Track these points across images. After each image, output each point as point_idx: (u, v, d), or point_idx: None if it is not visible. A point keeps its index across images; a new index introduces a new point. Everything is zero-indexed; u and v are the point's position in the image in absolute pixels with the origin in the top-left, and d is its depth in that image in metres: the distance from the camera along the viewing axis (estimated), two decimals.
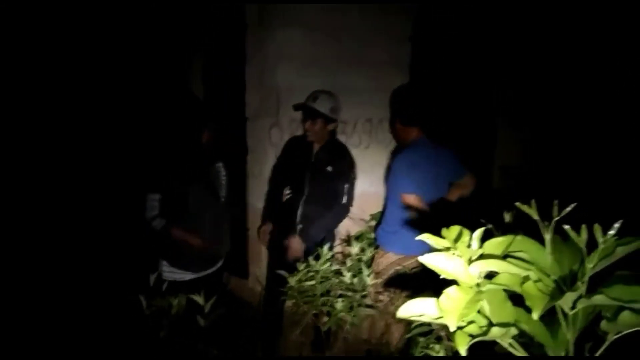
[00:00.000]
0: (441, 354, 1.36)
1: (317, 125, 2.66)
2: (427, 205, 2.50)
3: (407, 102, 2.89)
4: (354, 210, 3.46)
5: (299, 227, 2.71)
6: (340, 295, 1.98)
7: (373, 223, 3.56)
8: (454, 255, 0.85)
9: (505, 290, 0.87)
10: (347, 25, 3.39)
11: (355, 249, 2.15)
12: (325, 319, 2.02)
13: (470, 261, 0.84)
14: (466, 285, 0.83)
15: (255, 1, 3.19)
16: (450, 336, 1.39)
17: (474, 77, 4.20)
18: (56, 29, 4.42)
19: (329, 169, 2.68)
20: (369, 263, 2.14)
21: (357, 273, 2.02)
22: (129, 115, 4.71)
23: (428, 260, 0.84)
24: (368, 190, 3.62)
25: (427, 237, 0.92)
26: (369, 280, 2.00)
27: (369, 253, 2.19)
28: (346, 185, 2.74)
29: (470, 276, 0.84)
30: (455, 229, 0.94)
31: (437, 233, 0.92)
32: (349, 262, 2.08)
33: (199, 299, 1.78)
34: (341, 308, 1.93)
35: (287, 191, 2.71)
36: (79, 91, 4.65)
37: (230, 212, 2.90)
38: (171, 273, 2.60)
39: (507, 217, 1.28)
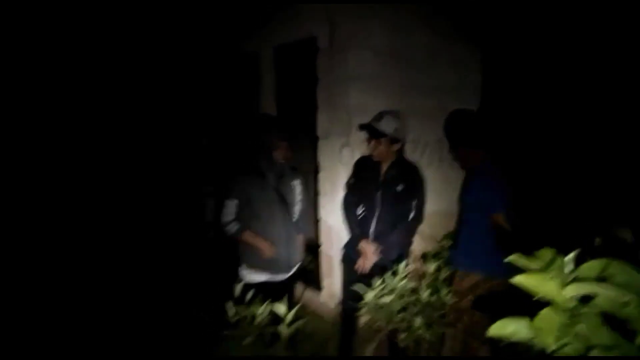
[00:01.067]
0: None
1: (381, 144, 2.70)
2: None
3: (472, 125, 2.89)
4: (425, 229, 3.47)
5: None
6: (418, 313, 2.01)
7: (445, 242, 3.55)
8: (548, 277, 0.87)
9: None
10: (417, 48, 3.45)
11: (431, 267, 2.17)
12: (403, 335, 2.05)
13: (564, 284, 0.87)
14: (561, 308, 0.85)
15: None
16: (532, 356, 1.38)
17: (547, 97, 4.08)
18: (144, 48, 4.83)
19: (399, 188, 2.72)
20: (447, 282, 2.14)
21: (434, 291, 2.04)
22: (212, 128, 5.05)
23: (523, 281, 0.87)
24: (438, 209, 3.61)
25: (518, 259, 0.96)
26: (448, 299, 2.01)
27: (444, 272, 2.20)
28: (414, 202, 2.78)
29: (564, 298, 0.86)
30: (547, 251, 0.97)
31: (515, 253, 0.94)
32: (425, 280, 2.10)
33: (281, 308, 1.87)
34: (419, 325, 1.96)
35: (360, 210, 2.77)
36: (167, 107, 5.06)
37: (304, 227, 3.01)
38: (248, 274, 2.77)
39: (598, 241, 1.27)
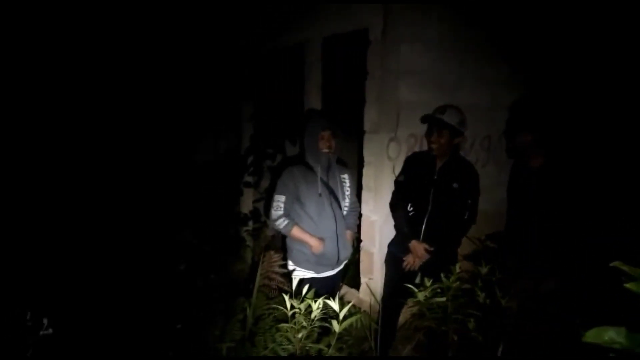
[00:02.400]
0: None
1: (443, 137, 2.64)
2: None
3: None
4: (471, 229, 3.40)
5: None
6: (471, 315, 1.96)
7: (489, 243, 3.47)
8: None
9: None
10: (467, 42, 3.37)
11: (485, 269, 2.11)
12: (455, 337, 2.01)
13: None
14: None
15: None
16: None
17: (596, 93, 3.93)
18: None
19: (455, 185, 2.65)
20: (501, 284, 2.08)
21: (490, 294, 1.99)
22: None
23: (634, 288, 0.82)
24: (484, 208, 3.52)
25: (621, 265, 0.91)
26: (503, 302, 1.96)
27: (498, 274, 2.13)
28: (469, 201, 2.70)
29: None
30: None
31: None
32: (479, 282, 2.05)
33: (335, 304, 1.85)
34: (473, 327, 1.91)
35: (410, 208, 2.71)
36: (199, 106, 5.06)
37: (352, 223, 2.98)
38: (295, 271, 2.77)
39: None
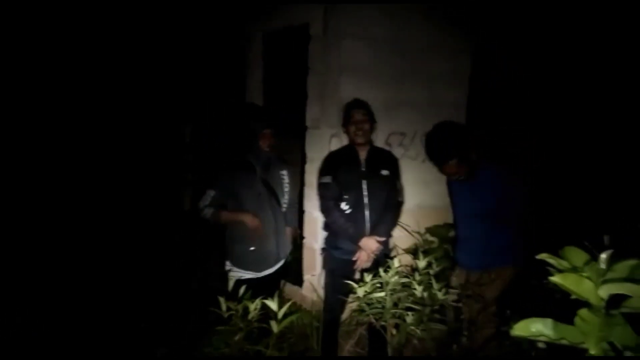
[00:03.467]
0: None
1: (367, 124, 2.66)
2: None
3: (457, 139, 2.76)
4: (411, 223, 3.46)
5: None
6: (410, 309, 1.97)
7: (428, 236, 3.54)
8: (584, 277, 0.84)
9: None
10: (409, 38, 3.41)
11: (422, 262, 2.14)
12: (394, 331, 2.02)
13: (598, 283, 0.84)
14: (597, 308, 0.82)
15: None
16: (540, 356, 1.37)
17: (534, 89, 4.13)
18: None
19: (384, 172, 2.69)
20: (438, 277, 2.11)
21: (427, 287, 2.01)
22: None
23: (560, 281, 0.83)
24: (424, 204, 3.60)
25: (547, 257, 0.92)
26: (440, 295, 1.99)
27: (435, 267, 2.17)
28: (398, 184, 2.78)
29: (599, 299, 0.83)
30: (574, 251, 0.94)
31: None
32: (417, 276, 2.07)
33: (273, 304, 1.81)
34: (411, 322, 1.92)
35: (345, 206, 2.67)
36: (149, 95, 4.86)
37: (291, 219, 2.95)
38: (233, 272, 2.70)
39: (607, 239, 1.26)
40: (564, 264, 0.90)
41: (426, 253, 2.34)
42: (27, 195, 4.48)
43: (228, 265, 2.76)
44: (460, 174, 2.55)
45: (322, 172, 2.77)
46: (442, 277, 2.39)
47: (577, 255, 0.92)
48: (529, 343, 1.40)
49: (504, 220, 2.54)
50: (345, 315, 3.00)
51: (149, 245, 4.32)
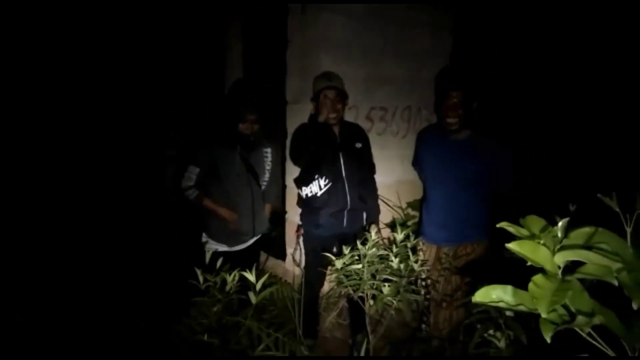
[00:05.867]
0: (502, 342, 1.39)
1: (342, 104, 2.64)
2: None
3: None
4: (392, 198, 3.49)
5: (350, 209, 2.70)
6: (386, 280, 2.01)
7: (409, 210, 3.59)
8: (540, 244, 0.87)
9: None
10: (390, 14, 3.38)
11: (400, 235, 2.17)
12: (371, 302, 2.06)
13: (555, 250, 0.86)
14: (552, 274, 0.85)
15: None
16: (509, 324, 1.41)
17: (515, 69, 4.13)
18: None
19: (358, 145, 2.71)
20: (415, 249, 2.15)
21: (403, 259, 2.05)
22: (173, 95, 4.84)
23: (516, 247, 0.86)
24: (405, 179, 3.63)
25: (507, 226, 0.95)
26: (416, 267, 2.03)
27: (412, 240, 2.21)
28: (371, 156, 2.83)
29: (555, 265, 0.86)
30: (534, 219, 0.97)
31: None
32: (395, 248, 2.11)
33: (250, 276, 1.83)
34: (388, 292, 1.97)
35: (323, 181, 2.67)
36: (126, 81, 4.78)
37: (272, 196, 2.97)
38: (209, 244, 2.72)
39: (572, 207, 1.30)
40: (522, 231, 0.93)
41: (404, 226, 2.38)
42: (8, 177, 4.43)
43: (204, 237, 2.78)
44: (457, 116, 2.42)
45: (297, 147, 2.75)
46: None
47: (537, 224, 0.95)
48: (496, 311, 1.44)
49: (485, 193, 2.50)
50: (326, 287, 3.05)
51: (130, 218, 4.33)
